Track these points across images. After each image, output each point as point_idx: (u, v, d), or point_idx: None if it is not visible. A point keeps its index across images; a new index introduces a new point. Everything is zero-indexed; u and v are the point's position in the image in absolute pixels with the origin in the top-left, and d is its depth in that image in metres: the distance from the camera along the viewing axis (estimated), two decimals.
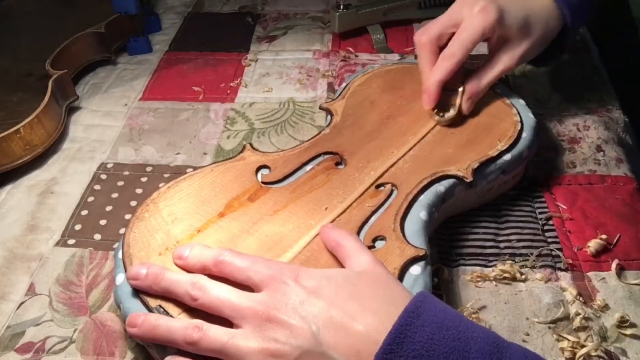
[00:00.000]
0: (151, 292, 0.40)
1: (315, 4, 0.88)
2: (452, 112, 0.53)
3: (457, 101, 0.53)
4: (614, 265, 0.47)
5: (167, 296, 0.39)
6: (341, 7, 0.77)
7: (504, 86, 0.59)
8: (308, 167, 0.50)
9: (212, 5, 0.89)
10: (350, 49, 0.76)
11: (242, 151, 0.51)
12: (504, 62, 0.53)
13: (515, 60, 0.53)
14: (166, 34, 0.83)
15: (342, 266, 0.41)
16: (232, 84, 0.71)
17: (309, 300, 0.35)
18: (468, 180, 0.48)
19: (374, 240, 0.44)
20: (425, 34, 0.54)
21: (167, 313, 0.39)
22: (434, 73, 0.53)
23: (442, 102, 0.54)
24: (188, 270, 0.40)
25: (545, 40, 0.55)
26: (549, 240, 0.50)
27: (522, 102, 0.56)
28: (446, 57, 0.52)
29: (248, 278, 0.38)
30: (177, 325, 0.37)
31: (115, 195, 0.56)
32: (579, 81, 0.68)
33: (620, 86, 0.69)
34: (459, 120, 0.54)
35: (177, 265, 0.41)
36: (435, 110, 0.54)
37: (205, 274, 0.39)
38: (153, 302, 0.39)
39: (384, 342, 0.32)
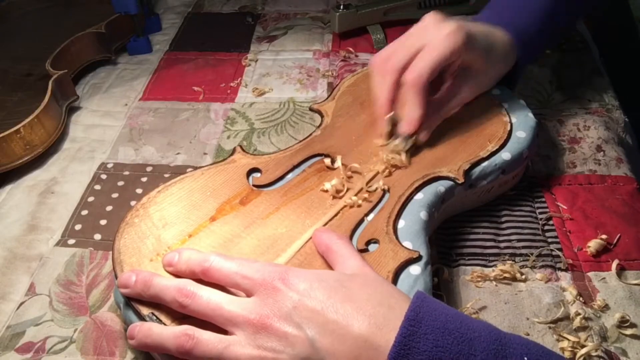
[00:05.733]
0: (142, 300, 0.39)
1: (315, 4, 0.88)
2: (406, 145, 0.50)
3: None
4: (614, 265, 0.47)
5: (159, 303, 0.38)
6: (341, 7, 0.77)
7: (504, 86, 0.59)
8: (299, 170, 0.50)
9: (212, 5, 0.89)
10: (350, 49, 0.76)
11: (232, 153, 0.51)
12: (464, 92, 0.52)
13: (474, 93, 0.52)
14: (166, 34, 0.83)
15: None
16: (232, 84, 0.71)
17: (302, 304, 0.35)
18: (460, 182, 0.48)
19: (367, 243, 0.44)
20: (389, 62, 0.49)
21: (160, 321, 0.38)
22: (415, 110, 0.48)
23: (394, 132, 0.51)
24: (179, 276, 0.40)
25: (500, 75, 0.54)
26: (549, 240, 0.50)
27: (522, 102, 0.56)
28: (414, 83, 0.47)
29: (236, 284, 0.37)
30: (168, 333, 0.36)
31: (115, 195, 0.56)
32: (579, 81, 0.68)
33: (620, 86, 0.69)
34: (449, 121, 0.53)
35: (168, 272, 0.40)
36: (389, 140, 0.51)
37: (197, 279, 0.39)
38: (145, 310, 0.39)
39: (389, 356, 0.32)
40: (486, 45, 0.50)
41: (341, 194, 0.47)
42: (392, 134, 0.51)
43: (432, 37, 0.48)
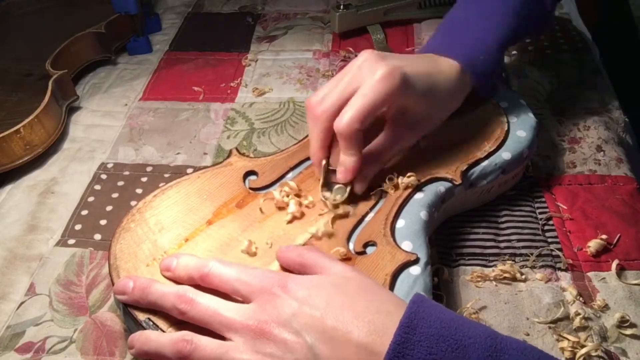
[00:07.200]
0: (140, 306, 0.39)
1: (315, 4, 0.88)
2: (343, 195, 0.46)
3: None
4: (614, 265, 0.47)
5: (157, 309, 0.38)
6: (341, 7, 0.77)
7: (504, 86, 0.58)
8: (296, 172, 0.50)
9: (212, 5, 0.89)
10: (350, 49, 0.76)
11: (228, 156, 0.51)
12: (404, 138, 0.48)
13: (416, 137, 0.49)
14: (166, 34, 0.83)
15: None
16: (232, 84, 0.71)
17: (301, 311, 0.35)
18: (457, 183, 0.48)
19: (365, 245, 0.43)
20: (320, 106, 0.45)
21: (156, 326, 0.38)
22: (348, 159, 0.45)
23: (330, 179, 0.47)
24: (177, 281, 0.40)
25: (450, 110, 0.50)
26: (549, 240, 0.50)
27: (522, 102, 0.56)
28: (344, 132, 0.43)
29: (235, 290, 0.37)
30: (166, 339, 0.36)
31: (115, 195, 0.56)
32: (579, 81, 0.68)
33: (620, 86, 0.69)
34: (446, 123, 0.51)
35: (165, 277, 0.40)
36: (325, 190, 0.47)
37: (195, 284, 0.38)
38: (142, 316, 0.39)
39: None
40: (426, 86, 0.46)
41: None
42: (329, 181, 0.47)
43: (365, 80, 0.44)
